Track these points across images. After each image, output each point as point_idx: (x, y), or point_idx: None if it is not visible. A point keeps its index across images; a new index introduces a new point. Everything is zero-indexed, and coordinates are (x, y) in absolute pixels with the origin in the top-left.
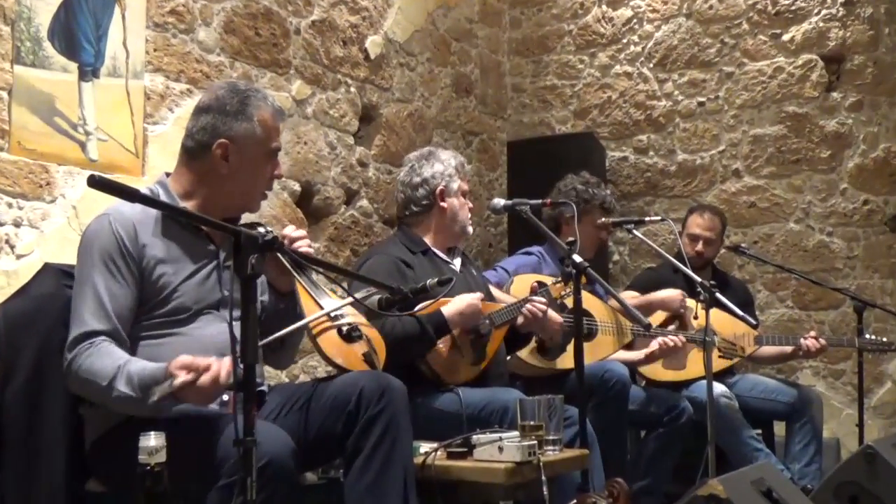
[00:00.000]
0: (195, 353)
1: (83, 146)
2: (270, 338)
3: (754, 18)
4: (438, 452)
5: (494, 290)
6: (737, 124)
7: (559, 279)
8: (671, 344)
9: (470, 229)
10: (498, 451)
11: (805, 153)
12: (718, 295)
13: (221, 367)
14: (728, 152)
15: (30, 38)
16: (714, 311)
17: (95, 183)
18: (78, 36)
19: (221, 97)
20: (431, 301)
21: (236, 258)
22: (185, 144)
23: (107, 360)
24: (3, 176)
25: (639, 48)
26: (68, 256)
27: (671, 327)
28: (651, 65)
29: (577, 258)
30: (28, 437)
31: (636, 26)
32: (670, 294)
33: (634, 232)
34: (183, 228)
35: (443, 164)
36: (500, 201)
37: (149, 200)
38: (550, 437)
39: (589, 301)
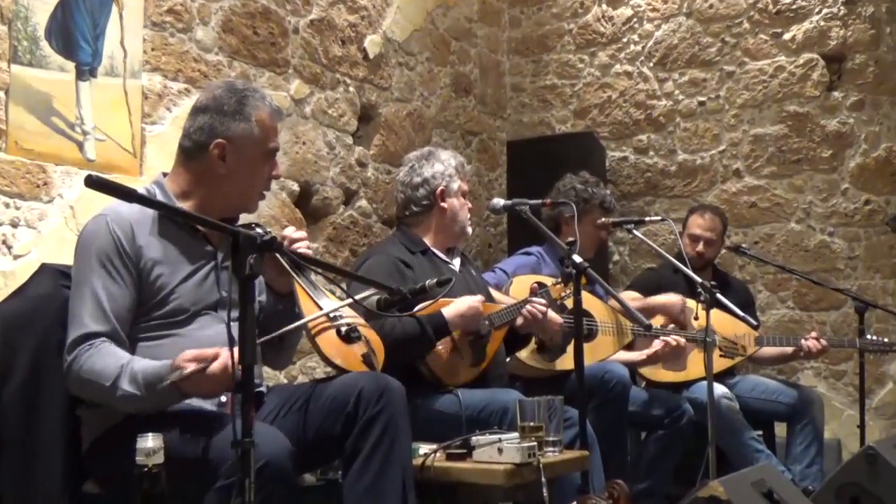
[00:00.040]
0: None
1: (80, 146)
2: (268, 336)
3: (755, 17)
4: (438, 454)
5: (493, 292)
6: (737, 124)
7: (559, 280)
8: (674, 344)
9: (469, 230)
10: (497, 452)
11: (806, 153)
12: (719, 295)
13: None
14: (729, 152)
15: (27, 38)
16: (714, 312)
17: (93, 183)
18: (75, 35)
19: (219, 97)
20: (431, 301)
21: (234, 259)
22: (182, 144)
23: (109, 359)
24: (0, 176)
25: (639, 47)
26: (66, 257)
27: (671, 327)
28: (651, 64)
29: (576, 258)
30: (25, 439)
31: (636, 25)
32: (671, 299)
33: (634, 232)
34: (180, 229)
35: (443, 164)
36: (499, 201)
37: (146, 201)
38: (550, 439)
39: (589, 301)
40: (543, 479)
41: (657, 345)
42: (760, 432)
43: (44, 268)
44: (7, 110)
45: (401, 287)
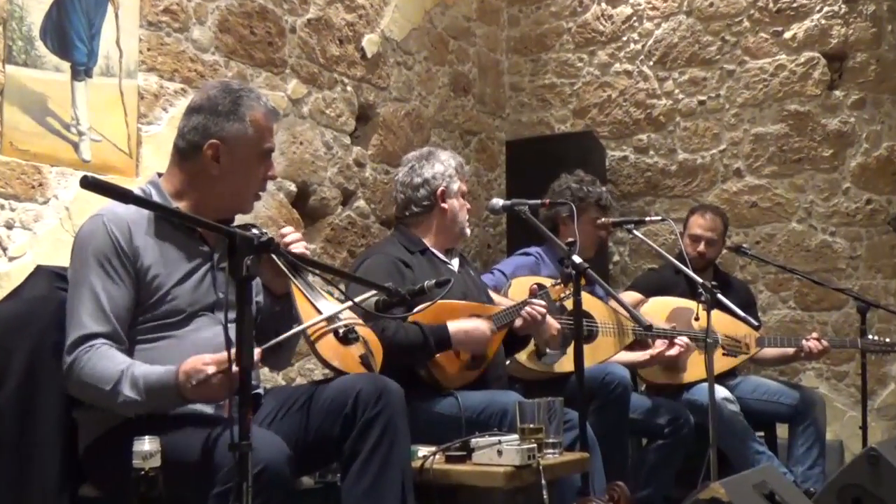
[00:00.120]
0: (190, 356)
1: (76, 147)
2: (268, 344)
3: (755, 16)
4: (437, 456)
5: (493, 294)
6: (738, 123)
7: (558, 281)
8: (683, 348)
9: (468, 231)
10: (497, 454)
11: (807, 152)
12: (720, 296)
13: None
14: (729, 151)
15: (22, 38)
16: (715, 313)
17: (88, 184)
18: (70, 35)
19: (213, 97)
20: (429, 303)
21: (231, 260)
22: (176, 144)
23: (108, 363)
24: None
25: (639, 46)
26: (61, 258)
27: (672, 325)
28: (651, 63)
29: (576, 259)
30: (20, 442)
31: (636, 24)
32: (675, 351)
33: (635, 232)
34: (176, 229)
35: (443, 165)
36: (498, 201)
37: (142, 201)
38: (550, 440)
39: (589, 302)
40: (543, 482)
41: (659, 345)
42: (762, 434)
43: (39, 270)
44: (2, 111)
45: (399, 288)
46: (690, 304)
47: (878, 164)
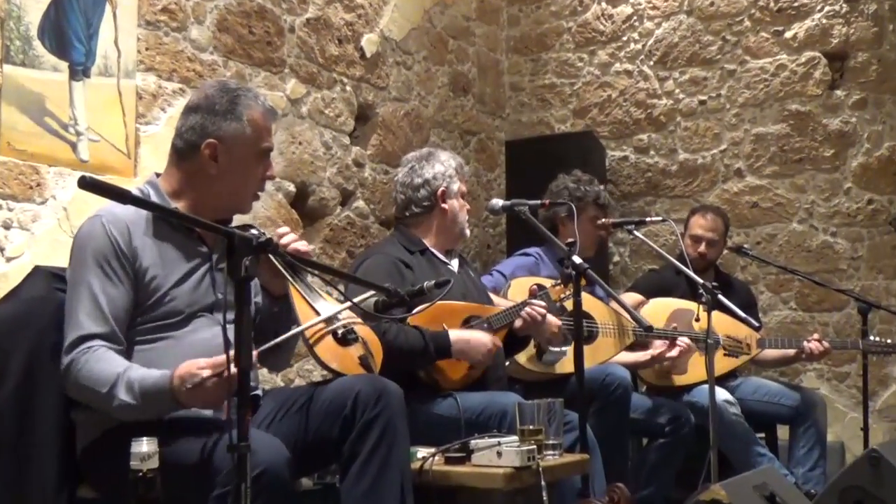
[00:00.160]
0: (189, 358)
1: (74, 147)
2: (267, 345)
3: (756, 15)
4: (436, 457)
5: (492, 296)
6: (739, 123)
7: (558, 281)
8: (684, 348)
9: (468, 232)
10: (497, 455)
11: (808, 152)
12: (721, 297)
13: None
14: (730, 151)
15: (19, 37)
16: (716, 314)
17: (86, 184)
18: (68, 34)
19: (211, 96)
20: (429, 304)
21: (230, 260)
22: (174, 144)
23: (105, 366)
24: None
25: (639, 46)
26: (59, 259)
27: (673, 325)
28: (651, 63)
29: (576, 260)
30: (18, 442)
31: (636, 23)
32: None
33: (635, 233)
34: (175, 230)
35: (443, 165)
36: (498, 202)
37: (141, 202)
38: (550, 442)
39: (589, 302)
40: (543, 483)
41: (659, 346)
42: (763, 435)
43: (37, 270)
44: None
45: (399, 289)
46: (691, 305)
47: (879, 164)
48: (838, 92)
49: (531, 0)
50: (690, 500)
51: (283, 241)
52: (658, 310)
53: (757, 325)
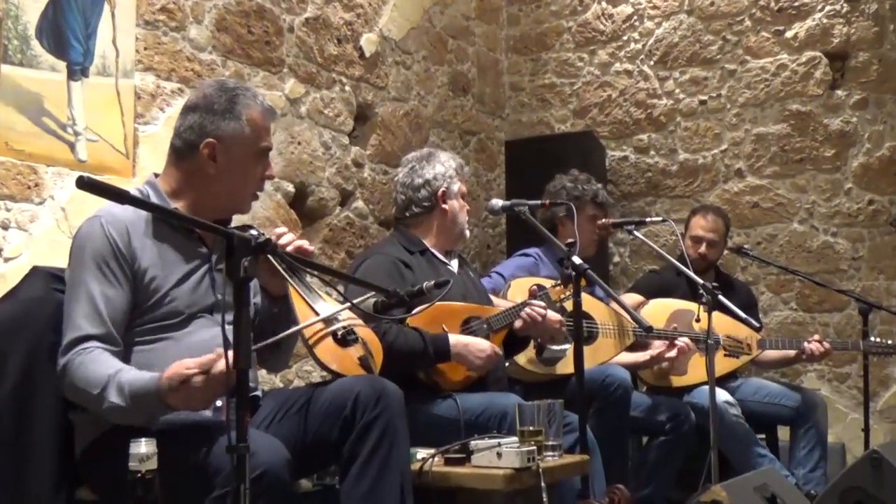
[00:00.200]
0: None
1: (72, 147)
2: (263, 343)
3: (757, 15)
4: (436, 459)
5: (492, 297)
6: (739, 123)
7: (558, 282)
8: (683, 347)
9: (468, 232)
10: (496, 457)
11: (809, 152)
12: (721, 297)
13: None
14: (730, 151)
15: (17, 37)
16: (716, 314)
17: (84, 184)
18: (66, 34)
19: (209, 95)
20: (428, 304)
21: (228, 261)
22: (173, 143)
23: (99, 367)
24: None
25: (639, 45)
26: (57, 259)
27: (673, 326)
28: (652, 62)
29: (576, 260)
30: (16, 444)
31: (636, 23)
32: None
33: (635, 233)
34: (174, 230)
35: (444, 166)
36: (498, 202)
37: (139, 202)
38: (550, 443)
39: (589, 303)
40: (543, 484)
41: (660, 346)
42: (763, 436)
43: (35, 270)
44: None
45: (398, 289)
46: (691, 305)
47: (880, 164)
48: (839, 92)
49: None
50: (691, 501)
51: (282, 241)
52: (658, 310)
53: (757, 325)
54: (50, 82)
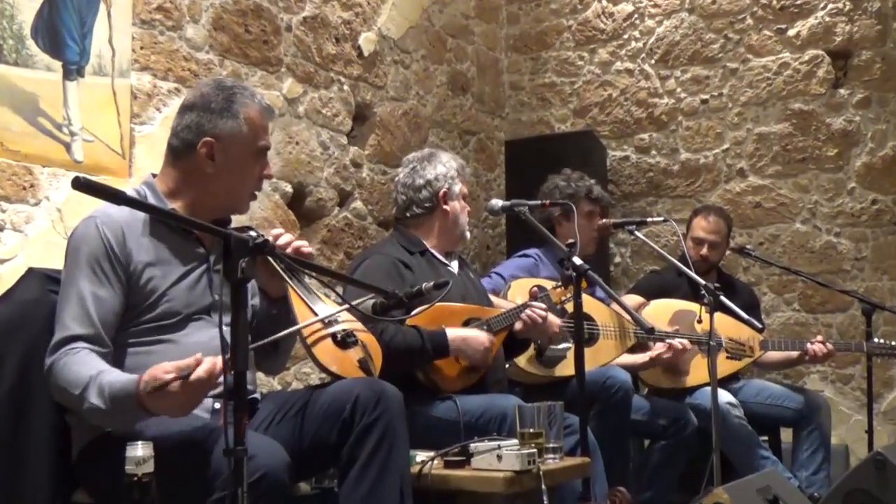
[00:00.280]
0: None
1: (68, 147)
2: (260, 342)
3: (759, 13)
4: (435, 461)
5: (492, 298)
6: (741, 122)
7: (559, 283)
8: (679, 347)
9: (468, 234)
10: (496, 459)
11: (811, 151)
12: (723, 298)
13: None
14: (732, 151)
15: (12, 36)
16: (718, 315)
17: (80, 185)
18: (62, 33)
19: (206, 94)
20: (427, 305)
21: (226, 262)
22: (170, 143)
23: (82, 368)
24: None
25: (640, 44)
26: (53, 261)
27: (675, 327)
28: (653, 61)
29: (577, 261)
30: (13, 446)
31: (637, 22)
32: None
33: (636, 233)
34: (172, 231)
35: (445, 167)
36: (497, 202)
37: (135, 203)
38: (550, 445)
39: (590, 304)
40: (544, 487)
41: (659, 347)
42: (766, 438)
43: (31, 272)
44: None
45: (397, 290)
46: (693, 306)
47: (883, 163)
48: (842, 90)
49: None
50: (693, 503)
51: (280, 242)
52: (660, 311)
53: (760, 326)
54: (45, 82)
